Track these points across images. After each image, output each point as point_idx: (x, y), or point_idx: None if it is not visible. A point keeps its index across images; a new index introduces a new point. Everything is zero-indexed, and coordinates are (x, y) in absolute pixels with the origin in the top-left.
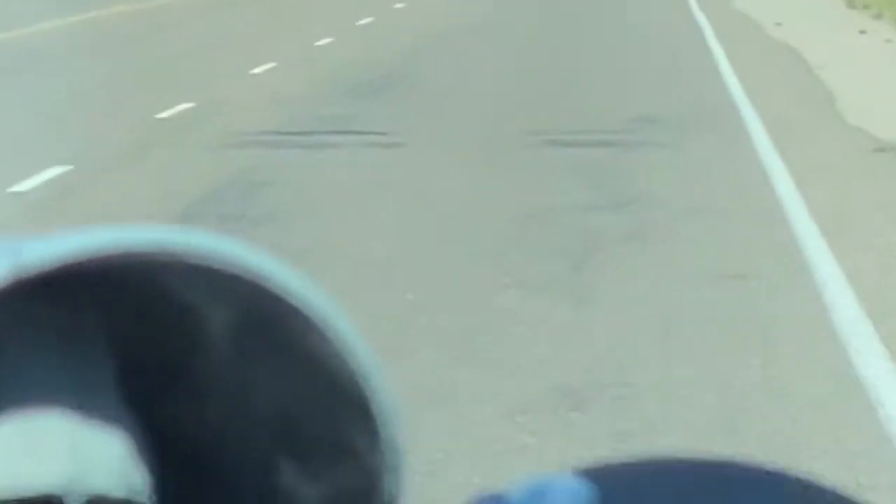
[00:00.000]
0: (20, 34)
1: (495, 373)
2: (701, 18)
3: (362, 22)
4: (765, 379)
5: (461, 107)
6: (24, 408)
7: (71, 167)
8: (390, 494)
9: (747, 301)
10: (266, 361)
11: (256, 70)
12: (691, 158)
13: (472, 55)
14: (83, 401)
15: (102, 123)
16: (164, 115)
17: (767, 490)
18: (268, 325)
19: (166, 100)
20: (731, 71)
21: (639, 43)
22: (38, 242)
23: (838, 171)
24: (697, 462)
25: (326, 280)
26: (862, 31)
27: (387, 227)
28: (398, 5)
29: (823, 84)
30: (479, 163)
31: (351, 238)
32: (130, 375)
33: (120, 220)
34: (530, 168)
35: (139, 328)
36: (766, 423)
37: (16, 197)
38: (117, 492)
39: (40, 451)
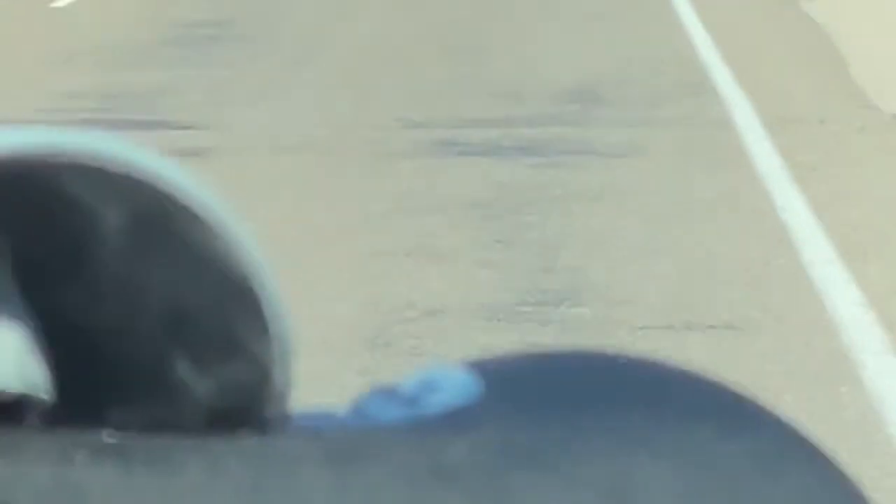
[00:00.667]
0: None
1: None
2: None
3: None
4: None
5: (318, 76)
6: None
7: None
8: (280, 387)
9: None
10: (159, 258)
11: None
12: (659, 184)
13: None
14: None
15: None
16: None
17: (652, 384)
18: (160, 223)
19: None
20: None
21: None
22: None
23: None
24: (583, 355)
25: None
26: None
27: None
28: None
29: (820, 27)
30: (318, 199)
31: None
32: (25, 272)
33: None
34: (399, 209)
35: (33, 226)
36: None
37: None
38: (15, 386)
39: None
